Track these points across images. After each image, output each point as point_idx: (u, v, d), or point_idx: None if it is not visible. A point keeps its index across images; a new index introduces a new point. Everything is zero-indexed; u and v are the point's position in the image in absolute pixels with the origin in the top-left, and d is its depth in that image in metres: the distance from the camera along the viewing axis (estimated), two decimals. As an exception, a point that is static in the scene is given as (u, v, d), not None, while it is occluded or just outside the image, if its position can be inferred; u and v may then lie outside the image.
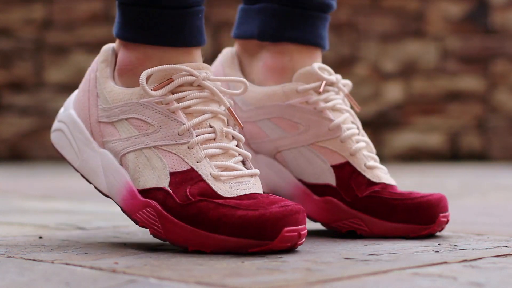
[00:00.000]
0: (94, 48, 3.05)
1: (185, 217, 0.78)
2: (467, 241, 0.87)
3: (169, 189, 0.79)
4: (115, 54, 0.87)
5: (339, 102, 0.94)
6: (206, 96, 0.83)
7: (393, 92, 3.09)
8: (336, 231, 0.92)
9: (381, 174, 0.93)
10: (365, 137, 0.95)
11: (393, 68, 3.09)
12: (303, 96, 0.93)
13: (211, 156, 0.81)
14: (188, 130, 0.81)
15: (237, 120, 0.83)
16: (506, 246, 0.83)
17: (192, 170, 0.80)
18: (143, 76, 0.81)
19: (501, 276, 0.66)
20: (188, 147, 0.80)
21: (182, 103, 0.81)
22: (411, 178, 2.14)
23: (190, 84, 0.82)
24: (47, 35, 3.06)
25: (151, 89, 0.82)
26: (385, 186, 0.91)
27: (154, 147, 0.81)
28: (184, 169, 0.80)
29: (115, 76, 0.87)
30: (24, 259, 0.76)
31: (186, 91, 0.82)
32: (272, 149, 0.94)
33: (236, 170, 0.81)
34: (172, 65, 0.82)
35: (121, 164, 0.83)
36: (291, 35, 0.96)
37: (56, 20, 3.06)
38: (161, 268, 0.70)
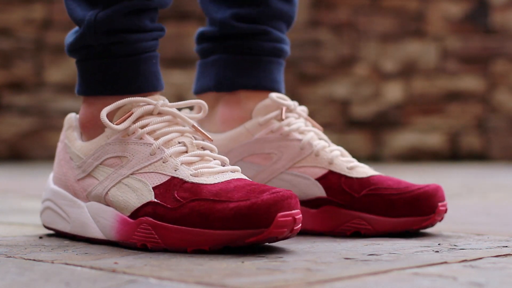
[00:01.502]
0: (94, 48, 3.05)
1: (178, 219, 0.78)
2: (467, 241, 0.87)
3: (156, 200, 0.80)
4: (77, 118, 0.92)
5: (301, 125, 0.97)
6: (169, 120, 0.85)
7: (393, 92, 3.09)
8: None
9: (365, 169, 0.95)
10: (337, 147, 0.97)
11: (393, 68, 3.09)
12: (266, 127, 0.96)
13: (188, 164, 0.82)
14: (158, 148, 0.83)
15: (205, 135, 0.86)
16: (506, 246, 0.83)
17: (172, 178, 0.81)
18: (103, 114, 0.84)
19: (501, 276, 0.66)
20: (163, 162, 0.82)
21: (147, 127, 0.84)
22: (411, 178, 2.14)
23: (150, 113, 0.85)
24: (47, 35, 3.06)
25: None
26: (376, 180, 0.92)
27: (131, 174, 0.83)
28: (164, 180, 0.81)
29: (81, 136, 0.90)
30: (24, 259, 0.76)
31: (146, 119, 0.85)
32: None
33: (216, 168, 0.82)
34: (129, 98, 0.85)
35: (107, 204, 0.84)
36: (246, 83, 0.98)
37: (56, 20, 3.06)
38: (161, 268, 0.70)
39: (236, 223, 0.76)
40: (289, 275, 0.66)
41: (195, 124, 0.86)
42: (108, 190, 0.84)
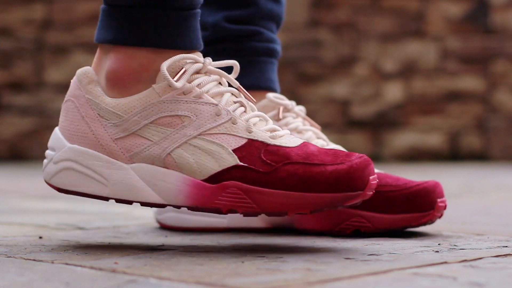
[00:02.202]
0: (94, 48, 3.05)
1: (275, 183, 0.78)
2: (467, 241, 0.87)
3: (243, 163, 0.79)
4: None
5: (299, 125, 0.97)
6: (217, 79, 0.83)
7: (393, 92, 3.10)
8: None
9: None
10: (336, 145, 0.97)
11: (393, 68, 3.10)
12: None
13: (255, 124, 0.81)
14: (223, 109, 0.81)
15: (248, 96, 0.84)
16: (506, 246, 0.83)
17: (251, 140, 0.80)
18: (164, 67, 0.80)
19: (501, 276, 0.66)
20: (232, 123, 0.80)
21: (203, 87, 0.81)
22: (411, 178, 2.14)
23: (198, 71, 0.82)
24: (47, 35, 3.06)
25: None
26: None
27: (199, 135, 0.80)
28: (243, 143, 0.80)
29: (106, 91, 0.84)
30: (24, 259, 0.76)
31: (198, 78, 0.82)
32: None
33: (280, 130, 0.82)
34: (182, 54, 0.81)
35: (166, 167, 0.81)
36: (242, 84, 0.98)
37: (56, 20, 3.06)
38: (161, 268, 0.70)
39: (336, 187, 0.77)
40: (289, 275, 0.66)
41: (239, 85, 0.84)
42: (171, 152, 0.80)
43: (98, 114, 0.82)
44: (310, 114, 3.04)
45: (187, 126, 0.80)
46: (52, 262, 0.74)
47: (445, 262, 0.73)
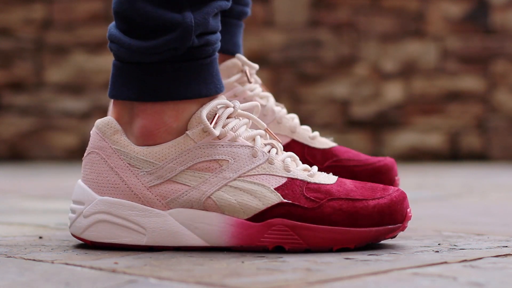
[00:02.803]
0: (94, 48, 3.05)
1: (321, 219, 0.79)
2: (467, 241, 0.87)
3: (287, 200, 0.80)
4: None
5: (260, 91, 0.98)
6: (247, 123, 0.84)
7: (393, 92, 3.10)
8: None
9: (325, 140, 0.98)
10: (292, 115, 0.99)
11: (393, 68, 3.10)
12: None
13: (290, 164, 0.83)
14: (259, 150, 0.82)
15: (275, 137, 0.86)
16: (506, 246, 0.83)
17: (291, 179, 0.81)
18: (203, 116, 0.81)
19: (501, 276, 0.66)
20: (269, 163, 0.82)
21: (237, 132, 0.82)
22: (411, 178, 2.14)
23: (230, 115, 0.83)
24: (47, 35, 3.06)
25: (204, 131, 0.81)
26: (337, 152, 0.96)
27: (238, 177, 0.81)
28: (283, 181, 0.81)
29: (136, 143, 0.83)
30: (24, 259, 0.76)
31: (230, 122, 0.83)
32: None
33: (314, 168, 0.84)
34: (216, 101, 0.82)
35: (206, 210, 0.81)
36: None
37: (56, 20, 3.06)
38: (161, 268, 0.70)
39: (380, 221, 0.80)
40: (289, 275, 0.66)
41: (266, 127, 0.86)
42: (211, 195, 0.80)
43: (129, 164, 0.82)
44: (310, 114, 3.04)
45: (225, 170, 0.81)
46: (52, 262, 0.74)
47: (445, 262, 0.73)
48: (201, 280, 0.64)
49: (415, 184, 1.89)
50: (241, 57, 0.97)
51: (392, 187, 0.83)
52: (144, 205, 0.82)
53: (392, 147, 3.09)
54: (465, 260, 0.74)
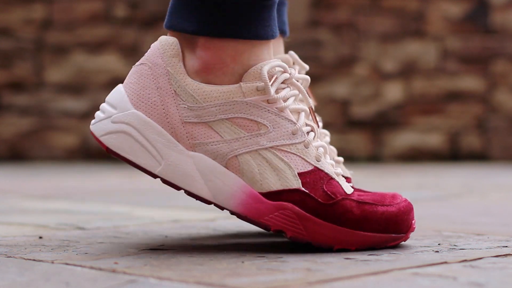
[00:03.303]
0: (94, 48, 3.05)
1: (330, 216, 0.79)
2: (467, 241, 0.87)
3: (305, 189, 0.79)
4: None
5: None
6: (297, 94, 0.82)
7: (393, 92, 3.10)
8: None
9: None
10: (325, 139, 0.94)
11: (393, 68, 3.10)
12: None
13: (321, 154, 0.81)
14: (300, 129, 0.81)
15: (316, 119, 0.84)
16: (506, 246, 0.83)
17: (317, 169, 0.80)
18: (265, 75, 0.79)
19: (501, 276, 0.66)
20: (304, 146, 0.81)
21: (287, 102, 0.81)
22: (411, 178, 2.14)
23: (284, 81, 0.82)
24: (47, 35, 3.06)
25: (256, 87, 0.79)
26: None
27: (271, 147, 0.79)
28: (309, 169, 0.80)
29: (190, 74, 0.81)
30: (24, 259, 0.76)
31: (283, 88, 0.81)
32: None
33: (337, 169, 0.83)
34: (278, 61, 0.81)
35: (227, 167, 0.79)
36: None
37: (56, 20, 3.06)
38: (161, 268, 0.70)
39: (385, 228, 0.80)
40: (289, 275, 0.66)
41: (312, 105, 0.84)
42: (238, 155, 0.79)
43: (175, 91, 0.80)
44: (310, 114, 3.04)
45: (262, 135, 0.79)
46: (52, 262, 0.74)
47: (445, 262, 0.73)
48: (201, 280, 0.64)
49: (415, 184, 1.89)
50: (293, 55, 0.93)
51: (400, 196, 0.82)
52: (173, 136, 0.80)
53: (392, 147, 3.09)
54: (465, 260, 0.74)
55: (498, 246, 0.83)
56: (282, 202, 0.79)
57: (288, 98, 0.81)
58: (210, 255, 0.77)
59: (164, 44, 0.81)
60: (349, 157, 3.04)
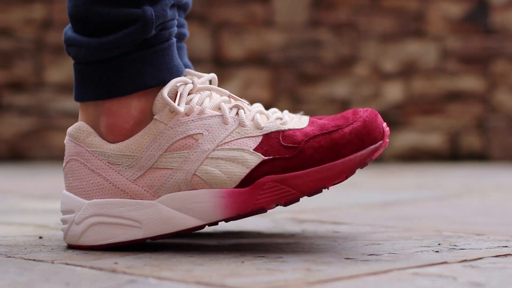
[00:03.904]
0: (94, 48, 3.05)
1: (305, 163, 0.79)
2: (467, 241, 0.87)
3: (268, 157, 0.79)
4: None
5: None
6: (209, 95, 0.84)
7: (393, 92, 3.10)
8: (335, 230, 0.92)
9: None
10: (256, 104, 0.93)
11: (393, 68, 3.10)
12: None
13: (260, 121, 0.82)
14: (229, 116, 0.82)
15: (239, 99, 0.85)
16: (506, 246, 0.83)
17: (265, 135, 0.81)
18: (167, 97, 0.81)
19: (501, 276, 0.66)
20: (242, 126, 0.82)
21: (202, 104, 0.82)
22: (411, 178, 2.14)
23: (190, 92, 0.83)
24: (47, 35, 3.06)
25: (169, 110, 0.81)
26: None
27: (216, 147, 0.81)
28: (259, 140, 0.81)
29: (106, 139, 0.83)
30: (24, 259, 0.76)
31: (193, 98, 0.83)
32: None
33: (285, 116, 0.84)
34: (174, 79, 0.82)
35: (193, 188, 0.80)
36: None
37: (56, 20, 3.06)
38: (161, 268, 0.70)
39: (360, 144, 0.79)
40: (289, 275, 0.66)
41: (229, 93, 0.85)
42: (195, 172, 0.80)
43: (108, 162, 0.82)
44: (310, 114, 3.04)
45: (202, 143, 0.81)
46: (52, 262, 0.74)
47: (445, 262, 0.73)
48: (201, 280, 0.64)
49: (415, 184, 1.89)
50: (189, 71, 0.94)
51: (362, 109, 0.82)
52: (133, 199, 0.81)
53: (392, 147, 3.09)
54: (465, 260, 0.74)
55: (498, 246, 0.83)
56: (257, 180, 0.79)
57: (202, 101, 0.83)
58: (210, 255, 0.77)
59: (73, 133, 0.84)
60: (349, 157, 3.04)
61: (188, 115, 0.82)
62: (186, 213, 0.80)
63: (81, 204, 0.83)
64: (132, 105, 0.82)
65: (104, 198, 0.82)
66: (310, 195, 0.79)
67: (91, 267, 0.71)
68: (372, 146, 0.79)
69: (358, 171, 2.48)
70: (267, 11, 3.06)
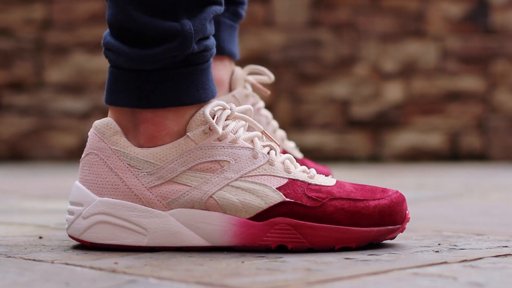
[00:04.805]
0: (94, 48, 3.04)
1: (323, 218, 0.80)
2: (467, 241, 0.87)
3: (289, 199, 0.80)
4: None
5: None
6: (244, 125, 0.85)
7: (393, 92, 3.10)
8: None
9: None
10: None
11: (393, 68, 3.10)
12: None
13: (290, 166, 0.83)
14: (260, 152, 0.82)
15: (272, 138, 0.85)
16: (506, 246, 0.83)
17: (292, 180, 0.82)
18: (209, 116, 0.81)
19: (501, 276, 0.66)
20: (270, 165, 0.82)
21: (237, 133, 0.83)
22: (411, 178, 2.14)
23: (227, 117, 0.84)
24: (47, 35, 3.06)
25: (204, 131, 0.82)
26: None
27: (240, 177, 0.81)
28: (284, 182, 0.81)
29: (133, 143, 0.83)
30: (24, 259, 0.76)
31: (230, 124, 0.83)
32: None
33: (312, 170, 0.84)
34: (216, 101, 0.83)
35: (207, 209, 0.81)
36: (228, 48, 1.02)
37: (56, 20, 3.06)
38: (161, 268, 0.70)
39: (380, 221, 0.81)
40: (289, 275, 0.66)
41: (263, 129, 0.86)
42: (212, 194, 0.80)
43: (129, 164, 0.82)
44: (310, 114, 3.04)
45: (227, 170, 0.81)
46: (52, 262, 0.74)
47: (445, 262, 0.73)
48: (201, 280, 0.64)
49: (415, 184, 1.89)
50: (249, 79, 0.97)
51: (391, 189, 0.83)
52: (145, 205, 0.82)
53: (392, 147, 3.09)
54: (465, 260, 0.74)
55: (498, 246, 0.83)
56: (272, 219, 0.80)
57: (237, 130, 0.83)
58: (210, 255, 0.77)
59: (100, 128, 0.83)
60: (349, 157, 3.04)
61: (221, 141, 0.82)
62: (194, 231, 0.81)
63: (91, 199, 0.83)
64: (168, 117, 0.82)
65: (116, 198, 0.82)
66: (317, 248, 0.80)
67: (91, 267, 0.71)
68: (390, 227, 0.81)
69: (358, 172, 2.48)
70: (267, 11, 3.06)
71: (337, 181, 0.84)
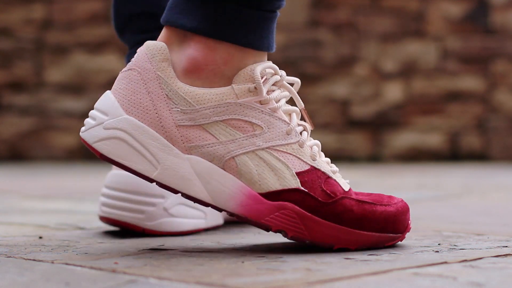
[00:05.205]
0: (94, 48, 3.05)
1: (330, 215, 0.79)
2: (467, 241, 0.87)
3: (303, 189, 0.79)
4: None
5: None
6: (288, 96, 0.83)
7: (393, 92, 3.10)
8: None
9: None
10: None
11: (393, 68, 3.10)
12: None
13: (316, 153, 0.82)
14: (294, 129, 0.81)
15: (309, 121, 0.84)
16: (506, 246, 0.83)
17: (314, 168, 0.81)
18: (257, 71, 0.79)
19: (501, 276, 0.66)
20: (299, 146, 0.81)
21: (279, 103, 0.81)
22: (411, 178, 2.14)
23: (275, 83, 0.82)
24: (47, 35, 3.06)
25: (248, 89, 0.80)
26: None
27: (267, 148, 0.80)
28: (306, 168, 0.80)
29: (179, 75, 0.80)
30: (24, 259, 0.76)
31: (275, 91, 0.81)
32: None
33: (333, 166, 0.84)
34: (269, 62, 0.81)
35: (224, 169, 0.79)
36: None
37: (56, 20, 3.06)
38: (161, 268, 0.70)
39: (383, 227, 0.81)
40: (289, 275, 0.66)
41: (303, 106, 0.84)
42: (235, 156, 0.79)
43: (166, 95, 0.80)
44: (310, 114, 3.04)
45: (257, 136, 0.80)
46: (52, 262, 0.74)
47: (445, 262, 0.73)
48: (201, 280, 0.64)
49: (415, 184, 1.89)
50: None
51: (397, 197, 0.83)
52: (168, 140, 0.79)
53: (392, 147, 3.09)
54: (465, 260, 0.74)
55: (498, 246, 0.83)
56: (282, 202, 0.79)
57: (280, 100, 0.81)
58: (210, 255, 0.77)
59: (152, 49, 0.81)
60: (349, 157, 3.04)
61: (262, 104, 0.80)
62: (204, 184, 0.79)
63: (119, 113, 0.80)
64: (219, 52, 0.80)
65: (142, 122, 0.80)
66: (315, 244, 0.80)
67: (91, 267, 0.71)
68: (391, 235, 0.81)
69: (358, 172, 2.48)
70: (267, 11, 3.06)
71: (350, 188, 0.83)
